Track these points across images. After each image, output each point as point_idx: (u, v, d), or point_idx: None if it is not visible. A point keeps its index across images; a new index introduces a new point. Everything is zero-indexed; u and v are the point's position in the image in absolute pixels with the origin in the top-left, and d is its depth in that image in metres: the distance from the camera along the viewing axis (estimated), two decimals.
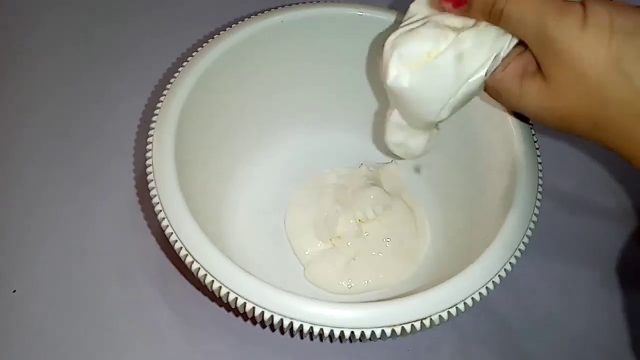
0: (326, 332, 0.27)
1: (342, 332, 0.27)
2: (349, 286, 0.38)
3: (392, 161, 0.44)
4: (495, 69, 0.26)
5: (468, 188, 0.38)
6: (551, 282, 0.41)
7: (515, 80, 0.25)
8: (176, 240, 0.29)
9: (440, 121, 0.29)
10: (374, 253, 0.39)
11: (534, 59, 0.25)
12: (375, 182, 0.41)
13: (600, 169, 0.46)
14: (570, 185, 0.44)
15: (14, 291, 0.39)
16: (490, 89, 0.27)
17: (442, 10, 0.26)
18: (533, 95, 0.25)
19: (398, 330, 0.27)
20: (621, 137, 0.23)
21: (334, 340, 0.28)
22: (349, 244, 0.39)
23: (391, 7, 0.39)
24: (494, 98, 0.27)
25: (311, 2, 0.39)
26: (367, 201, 0.39)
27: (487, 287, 0.28)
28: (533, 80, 0.25)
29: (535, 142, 0.34)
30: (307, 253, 0.39)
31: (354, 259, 0.39)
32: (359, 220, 0.39)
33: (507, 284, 0.29)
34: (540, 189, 0.32)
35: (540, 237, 0.32)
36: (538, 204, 0.31)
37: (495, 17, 0.25)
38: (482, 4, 0.25)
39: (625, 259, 0.41)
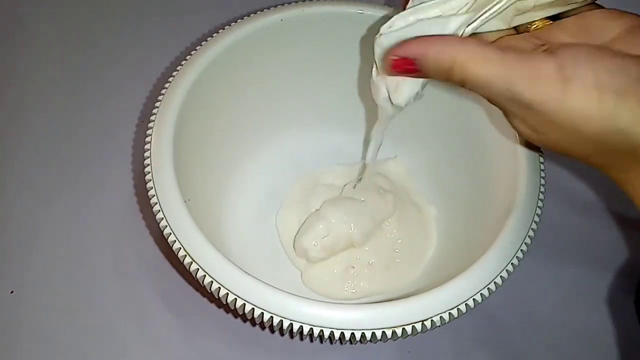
0: (326, 333, 0.27)
1: (342, 334, 0.27)
2: (353, 291, 0.38)
3: (394, 157, 0.43)
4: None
5: (470, 188, 0.38)
6: (552, 284, 0.41)
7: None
8: (175, 241, 0.29)
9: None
10: (377, 258, 0.39)
11: None
12: (376, 180, 0.41)
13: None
14: (571, 187, 0.44)
15: (12, 292, 0.39)
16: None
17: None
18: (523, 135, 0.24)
19: (399, 331, 0.27)
20: (623, 172, 0.23)
21: (333, 341, 0.28)
22: (350, 249, 0.39)
23: (391, 5, 0.39)
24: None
25: (311, 0, 0.39)
26: (367, 202, 0.39)
27: (488, 289, 0.28)
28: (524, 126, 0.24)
29: None
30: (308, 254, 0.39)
31: (353, 266, 0.38)
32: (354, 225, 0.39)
33: (508, 285, 0.29)
34: (542, 189, 0.32)
35: (542, 239, 0.32)
36: (540, 204, 0.31)
37: (456, 85, 0.23)
38: (435, 74, 0.23)
39: (626, 261, 0.41)
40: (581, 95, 0.21)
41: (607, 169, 0.23)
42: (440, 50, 0.22)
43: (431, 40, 0.23)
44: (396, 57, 0.23)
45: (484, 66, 0.22)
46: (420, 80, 0.27)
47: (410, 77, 0.25)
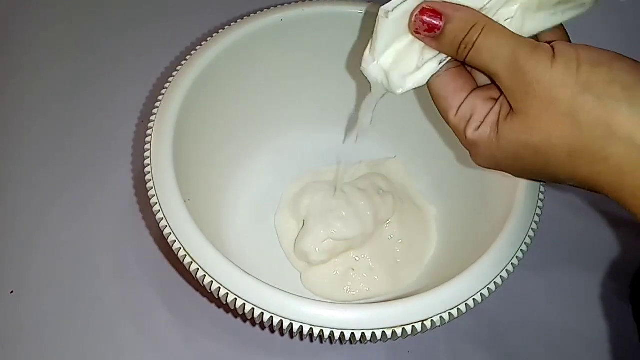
0: (326, 333, 0.27)
1: (342, 334, 0.27)
2: (352, 293, 0.38)
3: (394, 157, 0.43)
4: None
5: (470, 188, 0.38)
6: (550, 284, 0.41)
7: (492, 129, 0.25)
8: (175, 241, 0.29)
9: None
10: (377, 259, 0.39)
11: (506, 102, 0.25)
12: (376, 180, 0.41)
13: None
14: (567, 187, 0.44)
15: (12, 292, 0.39)
16: (467, 142, 0.27)
17: (415, 34, 0.26)
18: (508, 133, 0.25)
19: (398, 331, 0.27)
20: (594, 161, 0.23)
21: (333, 341, 0.28)
22: (350, 251, 0.39)
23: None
24: (472, 153, 0.27)
25: (311, 0, 0.39)
26: (366, 201, 0.39)
27: (488, 289, 0.28)
28: (506, 121, 0.25)
29: None
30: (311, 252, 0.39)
31: (353, 269, 0.38)
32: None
33: (508, 285, 0.29)
34: (542, 189, 0.32)
35: (541, 241, 0.32)
36: (540, 204, 0.31)
37: (464, 49, 0.25)
38: (454, 32, 0.25)
39: (620, 260, 0.41)
40: (563, 64, 0.23)
41: (584, 168, 0.24)
42: (469, 10, 0.25)
43: (461, 5, 0.25)
44: (425, 11, 0.25)
45: (500, 32, 0.24)
46: (429, 73, 0.27)
47: (426, 38, 0.26)
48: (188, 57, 0.36)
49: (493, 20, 0.25)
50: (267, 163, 0.43)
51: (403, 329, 0.27)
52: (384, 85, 0.28)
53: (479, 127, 0.26)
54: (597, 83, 0.22)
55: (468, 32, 0.25)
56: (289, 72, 0.41)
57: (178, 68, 0.36)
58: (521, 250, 0.29)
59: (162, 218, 0.30)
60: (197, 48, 0.37)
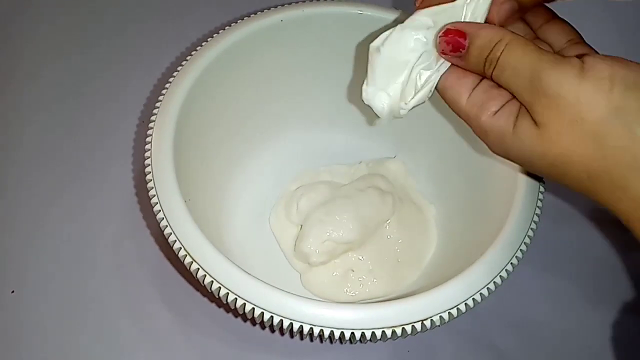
0: (326, 333, 0.27)
1: (342, 333, 0.27)
2: (352, 294, 0.38)
3: (394, 157, 0.43)
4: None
5: (470, 188, 0.38)
6: (551, 286, 0.41)
7: (510, 120, 0.25)
8: (175, 241, 0.29)
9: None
10: (377, 259, 0.39)
11: (521, 106, 0.25)
12: (375, 180, 0.41)
13: None
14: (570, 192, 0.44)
15: (13, 292, 0.39)
16: (479, 128, 0.26)
17: (442, 54, 0.26)
18: (525, 137, 0.24)
19: (398, 331, 0.27)
20: (614, 187, 0.22)
21: (333, 341, 0.28)
22: (350, 252, 0.39)
23: (392, 6, 0.39)
24: (479, 136, 0.27)
25: (311, 1, 0.39)
26: (365, 201, 0.39)
27: (487, 289, 0.28)
28: (526, 123, 0.24)
29: None
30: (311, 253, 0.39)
31: (353, 269, 0.38)
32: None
33: (508, 286, 0.29)
34: (542, 189, 0.32)
35: (541, 242, 0.32)
36: (540, 204, 0.31)
37: (490, 66, 0.25)
38: (478, 49, 0.25)
39: (623, 269, 0.41)
40: (594, 82, 0.22)
41: (603, 191, 0.23)
42: (493, 27, 0.25)
43: (483, 23, 0.26)
44: (450, 31, 0.26)
45: (520, 51, 0.24)
46: (429, 90, 0.27)
47: (453, 58, 0.26)
48: (189, 58, 0.36)
49: (519, 36, 0.25)
50: (267, 163, 0.43)
51: (403, 328, 0.27)
52: (390, 113, 0.28)
53: (496, 112, 0.25)
54: (631, 109, 0.21)
55: (492, 49, 0.24)
56: (289, 73, 0.41)
57: (179, 68, 0.36)
58: (520, 250, 0.29)
59: (163, 218, 0.30)
60: (198, 48, 0.37)
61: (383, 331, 0.27)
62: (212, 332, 0.38)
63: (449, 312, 0.27)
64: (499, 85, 0.25)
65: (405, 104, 0.28)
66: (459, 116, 0.27)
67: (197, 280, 0.29)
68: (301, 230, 0.39)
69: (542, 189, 0.32)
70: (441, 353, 0.38)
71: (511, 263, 0.29)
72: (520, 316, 0.39)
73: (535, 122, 0.24)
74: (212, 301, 0.39)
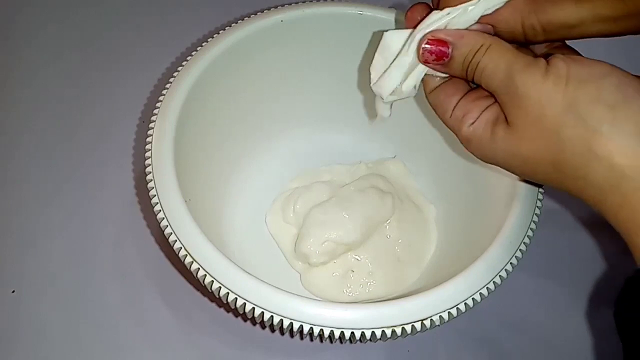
0: (326, 332, 0.27)
1: (342, 333, 0.27)
2: (350, 295, 0.38)
3: (394, 157, 0.43)
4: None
5: (470, 188, 0.38)
6: (550, 286, 0.41)
7: (487, 127, 0.26)
8: (175, 241, 0.29)
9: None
10: (376, 260, 0.39)
11: (499, 110, 0.26)
12: (375, 181, 0.41)
13: None
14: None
15: (13, 291, 0.39)
16: (462, 138, 0.28)
17: (425, 64, 0.28)
18: (499, 138, 0.26)
19: (398, 330, 0.27)
20: (576, 176, 0.24)
21: (333, 340, 0.28)
22: (350, 252, 0.39)
23: (391, 6, 0.39)
24: (464, 146, 0.28)
25: (311, 1, 0.39)
26: (364, 201, 0.39)
27: (487, 288, 0.28)
28: (500, 127, 0.26)
29: None
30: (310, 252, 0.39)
31: (353, 270, 0.38)
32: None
33: (507, 286, 0.29)
34: (541, 189, 0.32)
35: (540, 242, 0.32)
36: (539, 204, 0.31)
37: (472, 70, 0.26)
38: (462, 57, 0.26)
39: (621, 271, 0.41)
40: (553, 80, 0.23)
41: (567, 181, 0.24)
42: (474, 34, 0.26)
43: (463, 30, 0.27)
44: (432, 42, 0.27)
45: (500, 50, 0.25)
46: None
47: (437, 66, 0.27)
48: (189, 58, 0.36)
49: (499, 39, 0.26)
50: (267, 163, 0.43)
51: (402, 328, 0.27)
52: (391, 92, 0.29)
53: (473, 123, 0.27)
54: (582, 101, 0.23)
55: (474, 55, 0.26)
56: (289, 73, 0.41)
57: (179, 68, 0.36)
58: (520, 250, 0.29)
59: (163, 218, 0.30)
60: (198, 49, 0.37)
61: (383, 331, 0.27)
62: (212, 332, 0.38)
63: (448, 312, 0.27)
64: (480, 88, 0.27)
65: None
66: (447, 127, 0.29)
67: (198, 280, 0.29)
68: (301, 231, 0.39)
69: (541, 189, 0.32)
70: (441, 353, 0.38)
71: (510, 263, 0.29)
72: (520, 316, 0.39)
73: (508, 123, 0.25)
74: (212, 301, 0.39)
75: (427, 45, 0.27)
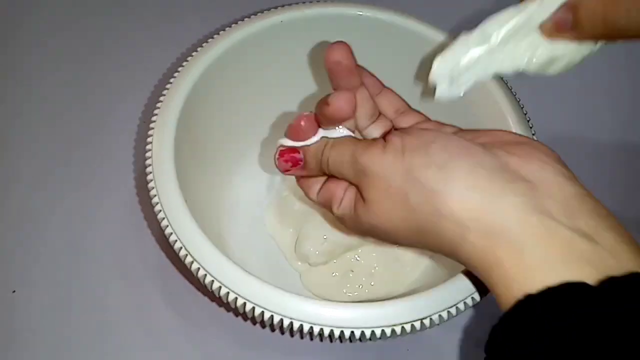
0: (326, 331, 0.27)
1: (341, 332, 0.27)
2: (350, 295, 0.38)
3: None
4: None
5: None
6: None
7: (350, 209, 0.28)
8: (176, 240, 0.29)
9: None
10: (376, 260, 0.39)
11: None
12: None
13: (604, 174, 0.46)
14: None
15: (14, 291, 0.39)
16: (336, 217, 0.30)
17: (286, 173, 0.31)
18: (360, 214, 0.27)
19: (398, 330, 0.27)
20: (432, 235, 0.25)
21: (333, 340, 0.28)
22: (349, 252, 0.39)
23: (391, 7, 0.39)
24: (344, 225, 0.30)
25: (311, 2, 0.39)
26: None
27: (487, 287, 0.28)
28: (359, 204, 0.27)
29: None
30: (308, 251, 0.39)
31: (352, 270, 0.39)
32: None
33: None
34: None
35: None
36: None
37: (325, 166, 0.29)
38: (313, 157, 0.29)
39: None
40: (392, 154, 0.26)
41: (430, 242, 0.25)
42: (313, 145, 0.30)
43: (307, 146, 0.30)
44: (284, 152, 0.30)
45: (339, 146, 0.28)
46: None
47: (297, 170, 0.31)
48: (189, 58, 0.36)
49: (340, 139, 0.29)
50: (269, 163, 0.43)
51: (402, 327, 0.27)
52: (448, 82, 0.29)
53: (339, 205, 0.29)
54: (417, 167, 0.25)
55: (322, 152, 0.29)
56: (289, 73, 0.41)
57: (179, 69, 0.36)
58: None
59: (164, 218, 0.30)
60: (198, 49, 0.37)
61: (382, 330, 0.27)
62: (212, 331, 0.38)
63: (447, 311, 0.27)
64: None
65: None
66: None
67: (198, 279, 0.29)
68: (301, 231, 0.39)
69: None
70: (440, 352, 0.38)
71: None
72: None
73: (364, 200, 0.27)
74: (212, 300, 0.39)
75: (280, 158, 0.30)
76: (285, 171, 0.31)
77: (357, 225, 0.28)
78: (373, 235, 0.28)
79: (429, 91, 0.30)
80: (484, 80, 0.28)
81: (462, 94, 0.29)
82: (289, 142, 0.30)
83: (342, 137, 0.29)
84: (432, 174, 0.24)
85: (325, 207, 0.30)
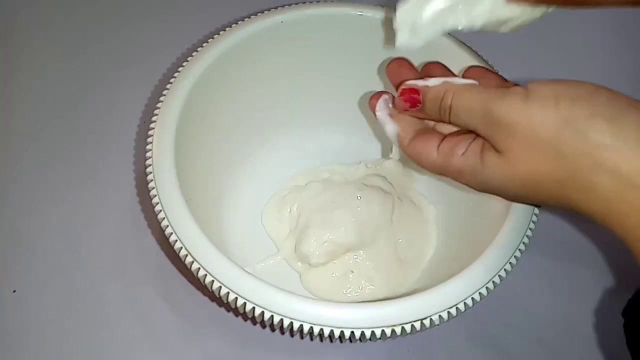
0: (326, 332, 0.27)
1: (342, 332, 0.27)
2: (352, 295, 0.38)
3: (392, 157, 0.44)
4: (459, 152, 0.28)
5: (469, 189, 0.38)
6: (550, 285, 0.41)
7: (476, 157, 0.27)
8: (176, 240, 0.29)
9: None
10: (376, 260, 0.39)
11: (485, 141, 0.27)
12: (375, 181, 0.41)
13: None
14: None
15: (14, 291, 0.39)
16: (454, 171, 0.28)
17: (404, 111, 0.30)
18: (493, 166, 0.26)
19: (398, 330, 0.27)
20: (581, 190, 0.24)
21: (334, 340, 0.28)
22: (349, 252, 0.39)
23: (392, 7, 0.39)
24: (457, 179, 0.29)
25: (311, 2, 0.39)
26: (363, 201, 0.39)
27: (486, 288, 0.28)
28: (490, 154, 0.26)
29: None
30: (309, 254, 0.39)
31: (352, 270, 0.39)
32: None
33: (507, 285, 0.29)
34: None
35: (540, 242, 0.32)
36: None
37: (445, 113, 0.28)
38: (431, 101, 0.29)
39: (623, 267, 0.41)
40: (540, 103, 0.24)
41: (574, 197, 0.24)
42: (438, 85, 0.29)
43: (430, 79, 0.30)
44: (405, 92, 0.30)
45: (468, 95, 0.27)
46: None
47: (412, 111, 0.30)
48: (189, 59, 0.36)
49: (458, 85, 0.28)
50: (267, 163, 0.43)
51: (402, 327, 0.27)
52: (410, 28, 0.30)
53: (463, 153, 0.28)
54: (579, 118, 0.23)
55: (442, 98, 0.28)
56: (289, 73, 0.41)
57: (179, 69, 0.36)
58: (519, 249, 0.29)
59: (164, 218, 0.30)
60: (199, 49, 0.37)
61: (383, 330, 0.27)
62: (212, 332, 0.38)
63: (448, 312, 0.27)
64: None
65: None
66: (435, 173, 0.30)
67: (198, 279, 0.29)
68: (301, 232, 0.39)
69: None
70: (440, 352, 0.38)
71: (510, 262, 0.29)
72: (520, 316, 0.39)
73: (498, 151, 0.26)
74: (212, 300, 0.39)
75: (401, 96, 0.30)
76: (404, 111, 0.30)
77: (481, 178, 0.27)
78: (500, 189, 0.27)
79: (390, 41, 0.31)
80: (442, 34, 0.29)
81: (421, 45, 0.29)
82: (411, 82, 0.30)
83: (466, 84, 0.28)
84: (599, 125, 0.23)
85: (444, 163, 0.28)
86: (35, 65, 0.50)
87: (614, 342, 0.38)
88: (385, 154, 0.44)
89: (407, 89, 0.30)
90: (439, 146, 0.29)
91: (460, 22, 0.28)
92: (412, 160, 0.30)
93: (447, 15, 0.29)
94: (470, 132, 0.28)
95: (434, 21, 0.29)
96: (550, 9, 0.28)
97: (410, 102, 0.30)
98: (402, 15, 0.29)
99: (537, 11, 0.28)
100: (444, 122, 0.29)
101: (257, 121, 0.42)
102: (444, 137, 0.29)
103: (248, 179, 0.42)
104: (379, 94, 0.32)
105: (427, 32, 0.29)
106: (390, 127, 0.31)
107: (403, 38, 0.30)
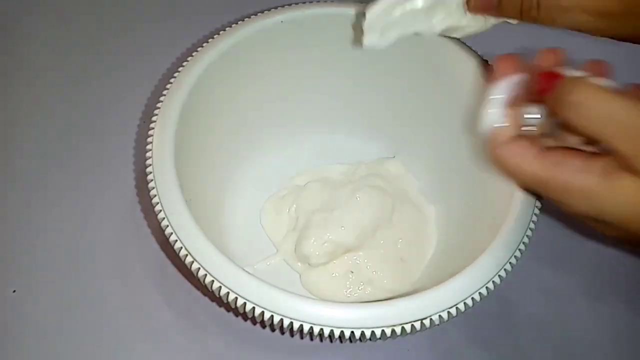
0: (326, 332, 0.27)
1: (342, 332, 0.27)
2: (352, 295, 0.38)
3: (394, 157, 0.44)
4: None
5: (470, 188, 0.38)
6: (550, 285, 0.41)
7: (603, 177, 0.22)
8: (176, 240, 0.29)
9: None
10: (376, 260, 0.39)
11: (614, 160, 0.22)
12: (375, 181, 0.41)
13: None
14: None
15: (14, 291, 0.39)
16: (558, 186, 0.24)
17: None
18: (626, 192, 0.22)
19: (398, 330, 0.27)
20: None
21: (334, 340, 0.28)
22: (349, 253, 0.39)
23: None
24: (556, 197, 0.24)
25: (311, 2, 0.39)
26: (361, 203, 0.39)
27: (486, 288, 0.28)
28: (626, 177, 0.22)
29: None
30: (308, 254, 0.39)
31: (352, 271, 0.39)
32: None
33: (506, 285, 0.29)
34: None
35: (540, 242, 0.32)
36: (538, 204, 0.31)
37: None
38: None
39: (623, 267, 0.41)
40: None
41: None
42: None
43: None
44: (545, 74, 0.25)
45: (608, 97, 0.22)
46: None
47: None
48: (189, 58, 0.36)
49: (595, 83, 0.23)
50: (267, 163, 0.43)
51: (402, 327, 0.27)
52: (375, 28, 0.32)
53: (581, 168, 0.23)
54: None
55: (572, 92, 0.23)
56: (289, 73, 0.41)
57: (179, 69, 0.36)
58: (519, 249, 0.29)
59: (164, 218, 0.30)
60: (199, 49, 0.37)
61: (383, 330, 0.27)
62: (212, 332, 0.38)
63: (448, 312, 0.27)
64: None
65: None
66: (525, 183, 0.26)
67: (198, 279, 0.29)
68: (301, 232, 0.39)
69: None
70: (441, 353, 0.38)
71: (510, 262, 0.29)
72: (520, 316, 0.39)
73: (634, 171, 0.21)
74: (212, 300, 0.39)
75: (541, 77, 0.25)
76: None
77: (597, 202, 0.22)
78: (619, 218, 0.22)
79: (359, 40, 0.32)
80: (406, 37, 0.31)
81: (386, 46, 0.32)
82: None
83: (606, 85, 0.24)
84: None
85: (545, 176, 0.24)
86: (35, 65, 0.51)
87: (614, 342, 0.38)
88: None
89: (548, 72, 0.25)
90: (540, 154, 0.24)
91: (422, 27, 0.31)
92: (497, 163, 0.26)
93: (411, 20, 0.31)
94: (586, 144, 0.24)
95: (399, 25, 0.31)
96: (500, 21, 0.30)
97: (548, 84, 0.24)
98: (371, 18, 0.31)
99: (490, 22, 0.31)
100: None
101: (256, 121, 0.42)
102: (547, 148, 0.25)
103: (248, 179, 0.42)
104: (510, 61, 0.27)
105: (393, 35, 0.31)
106: (495, 113, 0.27)
107: (371, 39, 0.32)
